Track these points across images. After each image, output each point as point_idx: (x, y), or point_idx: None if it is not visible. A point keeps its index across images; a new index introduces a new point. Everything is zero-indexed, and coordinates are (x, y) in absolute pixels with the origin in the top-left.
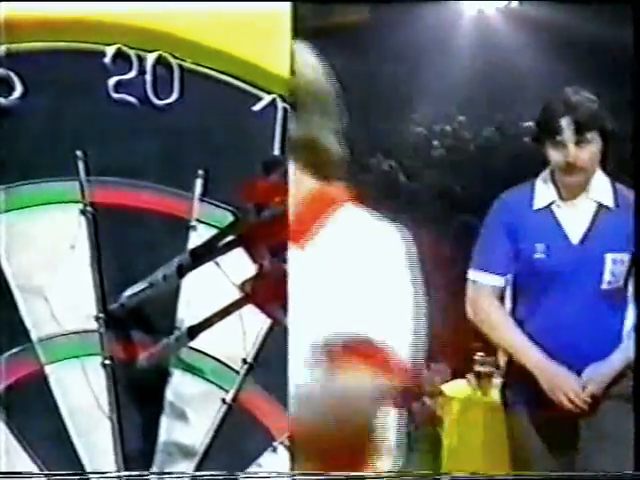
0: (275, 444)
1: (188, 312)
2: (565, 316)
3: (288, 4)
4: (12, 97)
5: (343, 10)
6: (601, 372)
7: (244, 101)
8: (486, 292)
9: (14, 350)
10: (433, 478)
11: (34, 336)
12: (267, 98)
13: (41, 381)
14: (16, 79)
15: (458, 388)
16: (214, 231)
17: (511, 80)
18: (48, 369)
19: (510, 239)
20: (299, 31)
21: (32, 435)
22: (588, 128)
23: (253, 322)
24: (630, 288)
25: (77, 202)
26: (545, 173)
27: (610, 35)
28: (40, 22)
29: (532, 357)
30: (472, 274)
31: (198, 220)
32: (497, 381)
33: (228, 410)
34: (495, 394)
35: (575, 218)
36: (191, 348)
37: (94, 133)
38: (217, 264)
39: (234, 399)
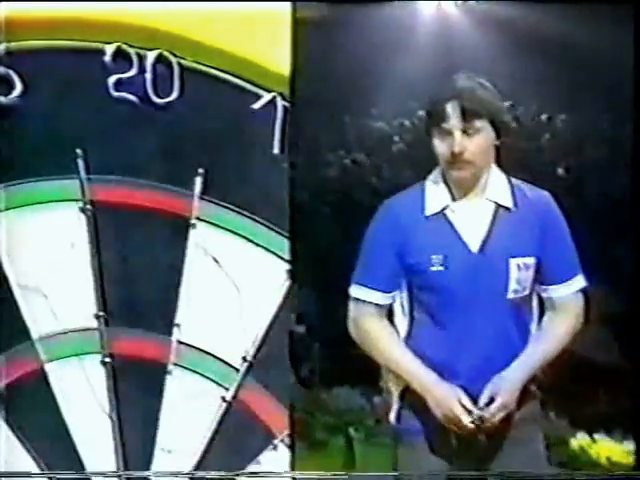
0: (275, 441)
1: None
2: (468, 334)
3: (288, 4)
4: (12, 96)
5: (302, 7)
6: (506, 385)
7: (244, 99)
8: (369, 310)
9: (14, 348)
10: (430, 476)
11: (34, 334)
12: (267, 96)
13: (41, 379)
14: (16, 78)
15: None
16: (214, 229)
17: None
18: (48, 367)
19: (397, 252)
20: None
21: (32, 432)
22: (477, 115)
23: (253, 319)
24: (534, 295)
25: (77, 200)
26: (435, 173)
27: (571, 39)
28: (40, 21)
29: (416, 375)
30: (353, 290)
31: (198, 218)
32: None
33: (228, 408)
34: None
35: (472, 223)
36: (190, 346)
37: (94, 131)
38: (217, 261)
39: (234, 397)
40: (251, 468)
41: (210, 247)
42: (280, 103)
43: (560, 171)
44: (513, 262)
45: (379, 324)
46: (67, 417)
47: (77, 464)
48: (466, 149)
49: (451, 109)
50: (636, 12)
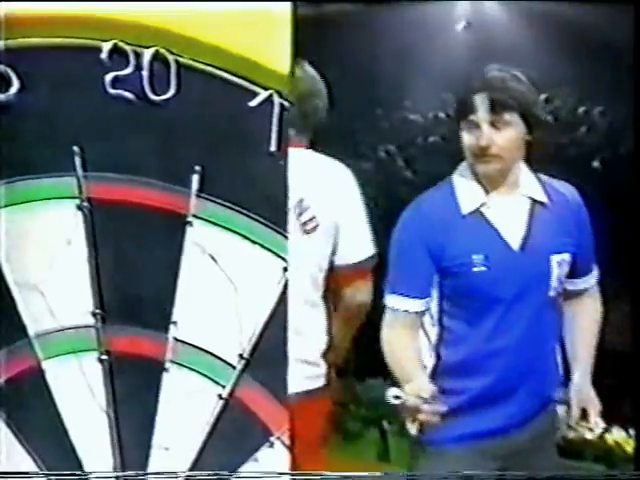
0: (272, 439)
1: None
2: (508, 335)
3: (288, 2)
4: (9, 93)
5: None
6: (586, 391)
7: (241, 97)
8: (404, 320)
9: (11, 346)
10: (429, 477)
11: (31, 331)
12: (264, 94)
13: (38, 377)
14: (13, 75)
15: None
16: (211, 227)
17: (504, 65)
18: (45, 364)
19: (433, 254)
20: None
21: (29, 431)
22: (506, 108)
23: (249, 317)
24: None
25: (74, 198)
26: (461, 169)
27: (610, 33)
28: (37, 18)
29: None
30: (388, 300)
31: (195, 216)
32: None
33: (224, 406)
34: None
35: (510, 220)
36: (187, 343)
37: (91, 129)
38: (214, 259)
39: (230, 394)
40: (249, 465)
41: (207, 245)
42: (277, 100)
43: (595, 164)
44: (554, 259)
45: (408, 336)
46: (64, 414)
47: (74, 460)
48: (494, 143)
49: (480, 101)
50: (636, 12)
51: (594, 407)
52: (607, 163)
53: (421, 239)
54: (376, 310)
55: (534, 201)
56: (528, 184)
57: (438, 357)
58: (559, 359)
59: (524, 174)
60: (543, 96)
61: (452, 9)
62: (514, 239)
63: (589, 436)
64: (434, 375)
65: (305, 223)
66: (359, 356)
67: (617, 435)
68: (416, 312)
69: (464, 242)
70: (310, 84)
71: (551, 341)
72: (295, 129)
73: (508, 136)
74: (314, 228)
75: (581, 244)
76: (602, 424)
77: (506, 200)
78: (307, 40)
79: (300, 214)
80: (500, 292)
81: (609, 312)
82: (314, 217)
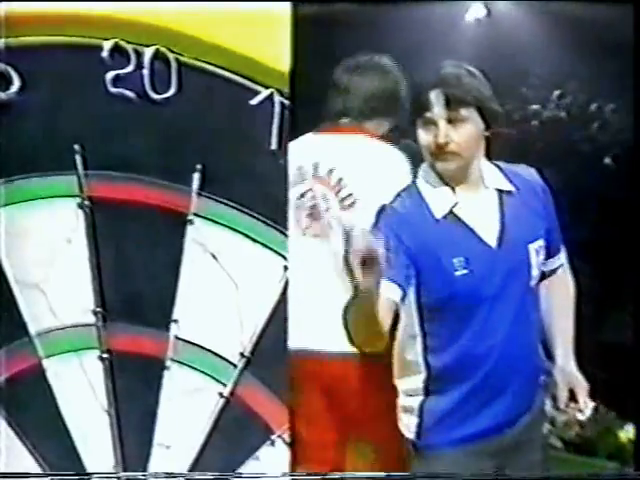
0: (273, 437)
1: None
2: (497, 331)
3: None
4: (10, 91)
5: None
6: (570, 371)
7: (241, 95)
8: (381, 305)
9: (12, 344)
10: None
11: (32, 330)
12: (264, 92)
13: (39, 375)
14: (14, 73)
15: None
16: (211, 225)
17: (517, 62)
18: (46, 363)
19: (412, 257)
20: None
21: (30, 429)
22: (462, 103)
23: (250, 315)
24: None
25: (75, 196)
26: (423, 169)
27: (621, 31)
28: (38, 17)
29: None
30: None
31: (195, 214)
32: None
33: (225, 404)
34: None
35: (482, 216)
36: (188, 342)
37: (92, 127)
38: (215, 257)
39: (231, 393)
40: (250, 464)
41: (208, 243)
42: (277, 99)
43: (607, 160)
44: (531, 248)
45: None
46: (65, 412)
47: (75, 459)
48: (451, 139)
49: (435, 97)
50: (636, 11)
51: (581, 387)
52: (619, 160)
53: (401, 241)
54: None
55: (501, 192)
56: (492, 176)
57: (427, 364)
58: (540, 347)
59: (485, 167)
60: (556, 92)
61: (461, 8)
62: (490, 236)
63: (580, 417)
64: (427, 381)
65: (343, 199)
66: None
67: (630, 432)
68: (388, 299)
69: (442, 247)
70: (382, 78)
71: (535, 331)
72: (362, 119)
73: (466, 132)
74: (352, 204)
75: (550, 225)
76: (591, 404)
77: (474, 197)
78: (308, 39)
79: (338, 191)
80: (483, 292)
81: (618, 310)
82: (351, 194)
